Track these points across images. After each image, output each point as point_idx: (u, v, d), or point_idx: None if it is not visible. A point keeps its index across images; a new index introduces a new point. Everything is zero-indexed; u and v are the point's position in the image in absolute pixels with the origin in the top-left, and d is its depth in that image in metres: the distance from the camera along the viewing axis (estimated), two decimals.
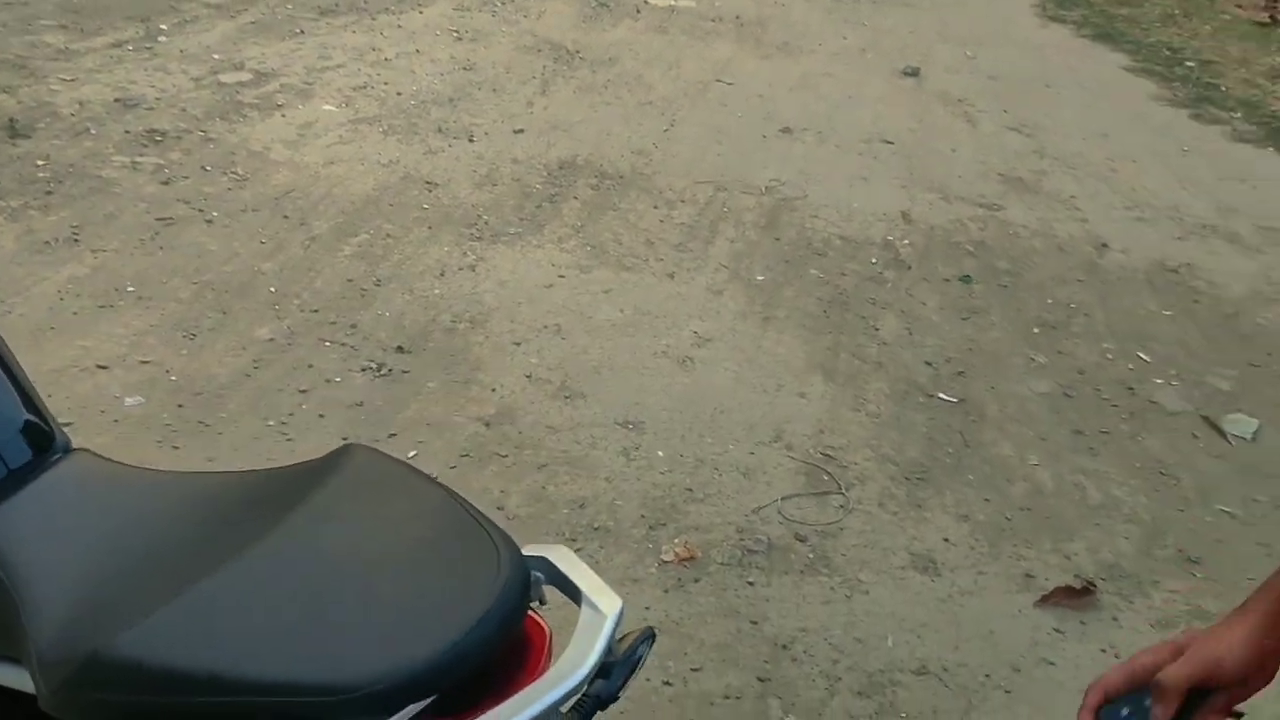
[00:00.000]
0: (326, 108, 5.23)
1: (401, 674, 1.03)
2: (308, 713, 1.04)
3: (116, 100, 5.04)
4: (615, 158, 5.01)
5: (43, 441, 1.46)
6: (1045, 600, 2.94)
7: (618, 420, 3.38)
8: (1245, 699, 1.20)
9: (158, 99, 5.11)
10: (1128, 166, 5.50)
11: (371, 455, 1.30)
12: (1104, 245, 4.76)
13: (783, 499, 3.17)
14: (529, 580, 1.12)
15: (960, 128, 5.74)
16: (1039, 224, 4.88)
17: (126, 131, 4.78)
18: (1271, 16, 7.76)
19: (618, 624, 1.12)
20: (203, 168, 4.57)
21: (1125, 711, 1.22)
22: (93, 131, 4.75)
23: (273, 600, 1.13)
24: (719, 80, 5.97)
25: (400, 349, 3.61)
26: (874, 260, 4.46)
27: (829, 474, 3.30)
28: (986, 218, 4.88)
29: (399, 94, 5.44)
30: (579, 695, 1.11)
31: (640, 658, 1.23)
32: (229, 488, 1.36)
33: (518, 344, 3.68)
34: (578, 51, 6.14)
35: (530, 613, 1.14)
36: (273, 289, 3.85)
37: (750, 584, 2.87)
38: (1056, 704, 2.64)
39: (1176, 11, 7.84)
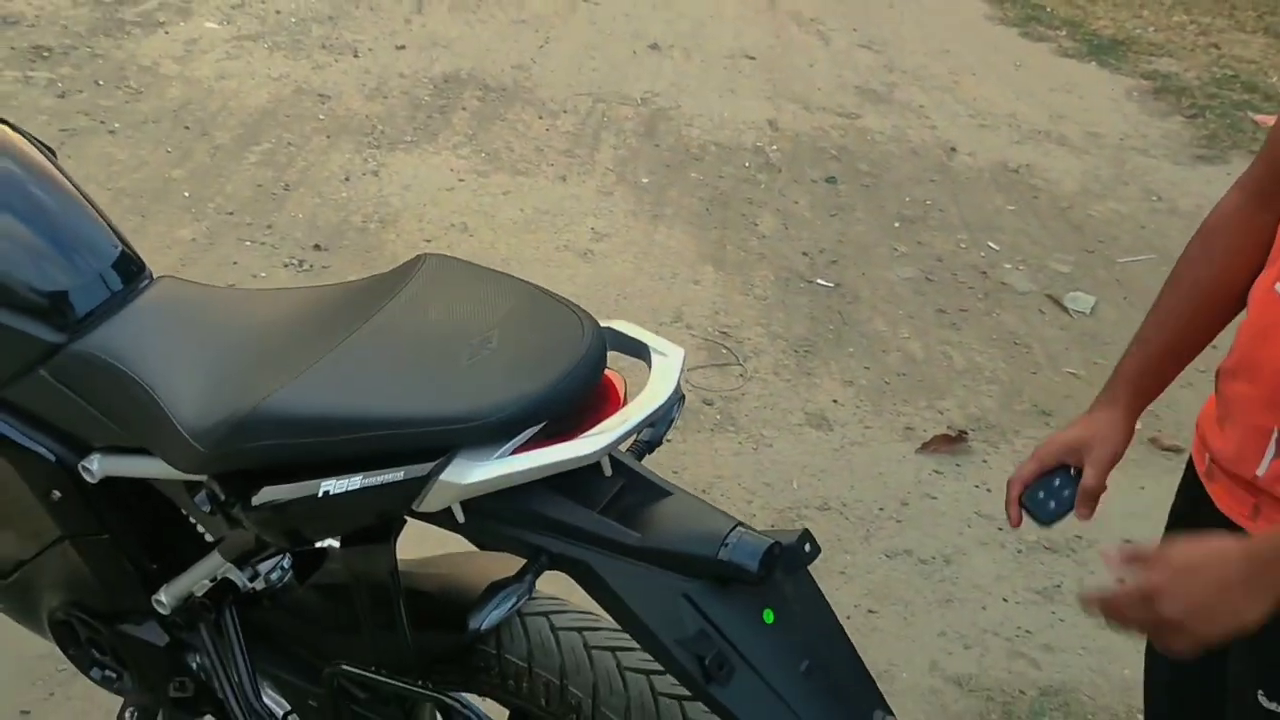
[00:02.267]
0: (209, 25, 5.33)
1: (518, 403, 1.30)
2: (441, 440, 1.30)
3: None
4: (496, 72, 5.24)
5: (134, 268, 1.69)
6: (925, 447, 3.34)
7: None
8: (1110, 468, 1.58)
9: (37, 16, 5.15)
10: (968, 79, 5.94)
11: (445, 257, 1.57)
12: (952, 149, 5.18)
13: (690, 369, 3.51)
14: (605, 337, 1.41)
15: (815, 44, 6.11)
16: (893, 131, 5.28)
17: (12, 48, 4.83)
18: None
19: (683, 364, 1.42)
20: (96, 82, 4.66)
21: (1042, 493, 1.61)
22: None
23: (397, 358, 1.39)
24: (585, 0, 6.22)
25: (317, 246, 3.82)
26: (747, 164, 4.80)
27: (727, 349, 3.64)
28: (846, 126, 5.26)
29: (278, 12, 5.57)
30: (667, 415, 1.41)
31: (676, 414, 1.54)
32: (317, 296, 1.61)
33: (428, 241, 3.92)
34: None
35: (611, 372, 1.43)
36: (186, 194, 4.01)
37: (668, 440, 3.19)
38: (940, 529, 3.04)
39: None
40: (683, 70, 5.57)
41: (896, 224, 4.54)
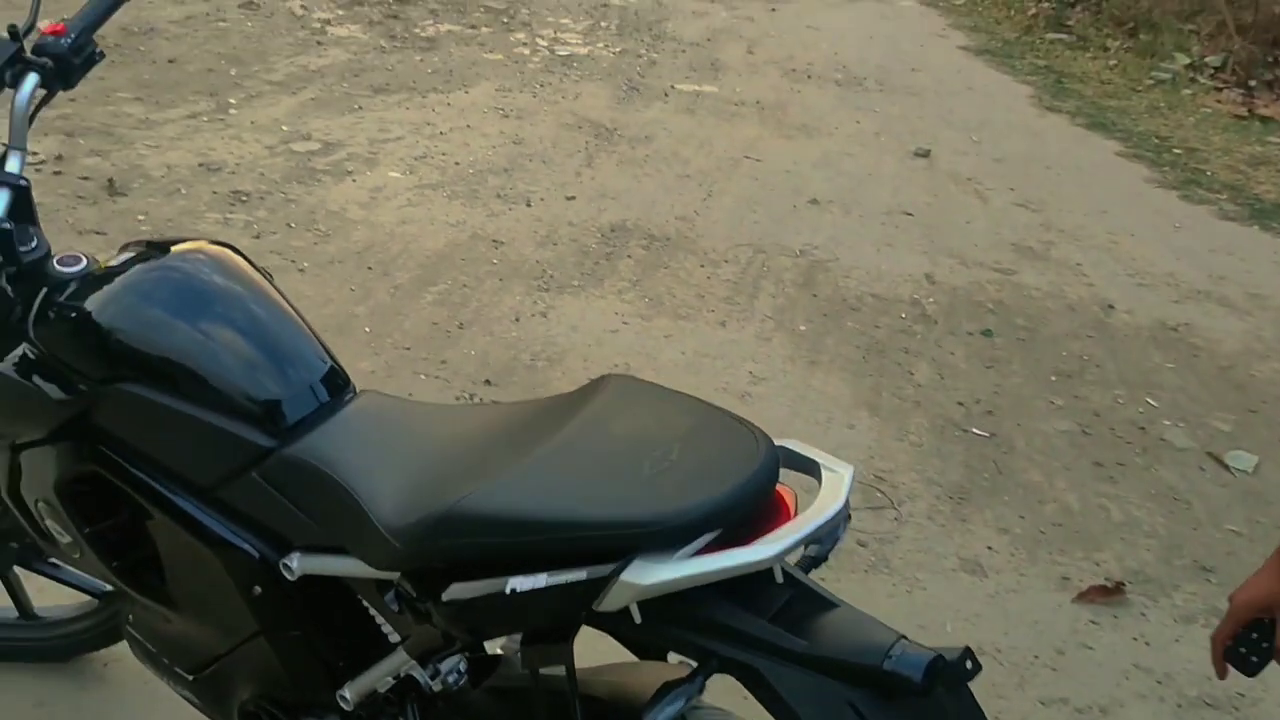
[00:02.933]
0: (392, 174, 5.67)
1: (697, 510, 1.40)
2: (623, 543, 1.41)
3: (200, 165, 5.47)
4: (661, 222, 5.45)
5: (340, 381, 1.85)
6: (1082, 597, 3.33)
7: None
8: None
9: (237, 164, 5.53)
10: (1126, 239, 5.97)
11: (629, 378, 1.70)
12: (1110, 306, 5.20)
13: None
14: (778, 452, 1.51)
15: (972, 203, 6.21)
16: (1050, 287, 5.33)
17: (214, 192, 5.20)
18: (1249, 110, 8.31)
19: (852, 481, 1.51)
20: (288, 225, 4.99)
21: (1243, 648, 1.69)
22: (183, 192, 5.17)
23: (584, 467, 1.51)
24: (748, 157, 6.44)
25: (488, 382, 4.01)
26: (903, 315, 4.89)
27: (881, 492, 3.69)
28: (1002, 281, 5.32)
29: (457, 164, 5.89)
30: (833, 533, 1.50)
31: (841, 534, 1.62)
32: (508, 411, 1.75)
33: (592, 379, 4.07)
34: (615, 129, 6.61)
35: (783, 486, 1.53)
36: (367, 329, 4.25)
37: (822, 580, 3.24)
38: (1097, 680, 3.02)
39: (1162, 104, 8.38)
40: (841, 225, 5.71)
41: (1053, 378, 4.57)
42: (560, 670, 1.57)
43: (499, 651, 1.87)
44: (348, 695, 1.80)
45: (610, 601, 1.41)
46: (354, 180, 5.54)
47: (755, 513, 1.45)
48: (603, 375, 1.71)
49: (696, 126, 6.81)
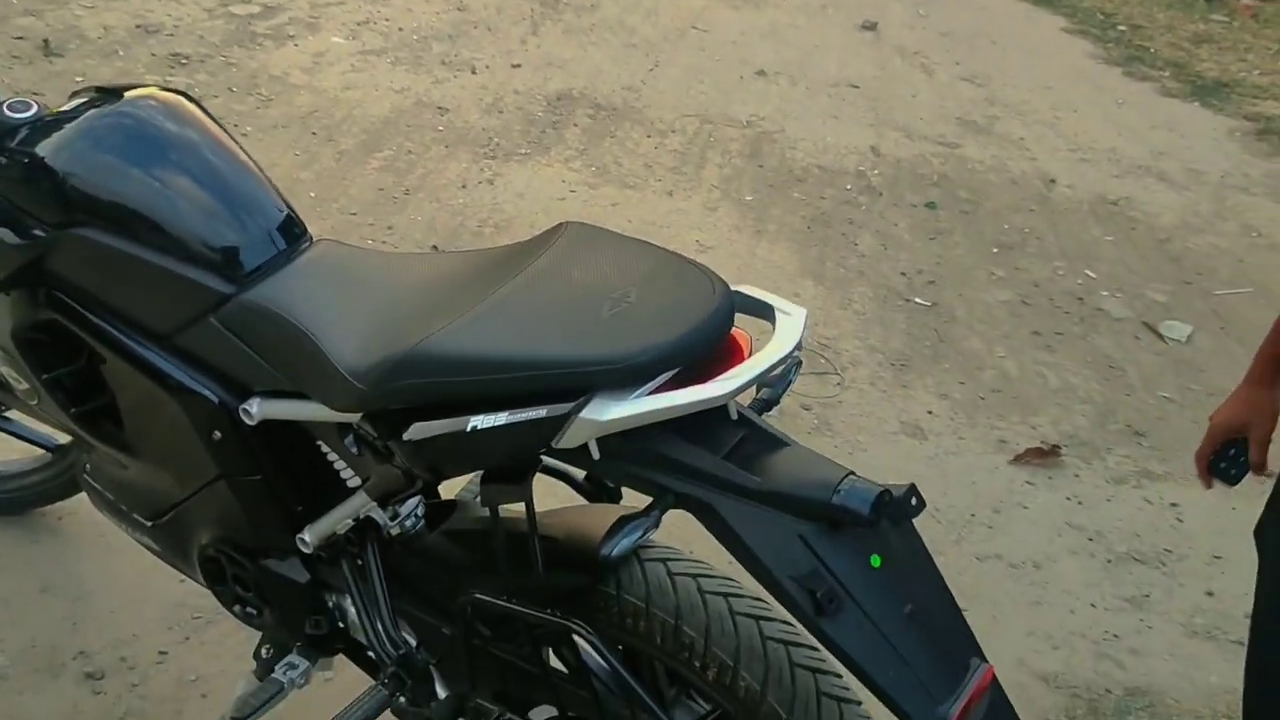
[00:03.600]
0: (335, 39, 5.57)
1: (653, 350, 1.43)
2: (581, 382, 1.43)
3: (138, 26, 5.34)
4: (608, 92, 5.41)
5: (297, 230, 1.85)
6: (1018, 459, 3.43)
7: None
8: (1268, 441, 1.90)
9: (176, 26, 5.41)
10: (1069, 115, 6.01)
11: (586, 225, 1.71)
12: (1052, 180, 5.26)
13: None
14: (734, 296, 1.54)
15: (918, 76, 6.21)
16: (993, 161, 5.37)
17: (153, 55, 5.09)
18: None
19: (806, 323, 1.55)
20: (229, 89, 4.90)
21: (1223, 463, 1.98)
22: (120, 53, 5.06)
23: (543, 309, 1.53)
24: (695, 27, 6.38)
25: (435, 248, 4.00)
26: (849, 187, 4.92)
27: (825, 359, 3.75)
28: (947, 154, 5.35)
29: (401, 30, 5.79)
30: (785, 377, 1.54)
31: (792, 378, 1.66)
32: (466, 258, 1.76)
33: None
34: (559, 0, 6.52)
35: (738, 330, 1.56)
36: (312, 194, 4.21)
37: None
38: (1031, 536, 3.12)
39: None
40: (788, 96, 5.70)
41: (994, 250, 4.63)
42: (517, 512, 1.61)
43: (454, 498, 1.91)
44: (307, 538, 1.83)
45: (570, 438, 1.43)
46: (296, 45, 5.44)
47: (711, 353, 1.48)
48: (560, 222, 1.72)
49: None
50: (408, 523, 1.86)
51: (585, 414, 1.41)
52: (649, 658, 1.71)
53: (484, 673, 1.79)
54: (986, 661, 1.53)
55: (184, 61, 5.07)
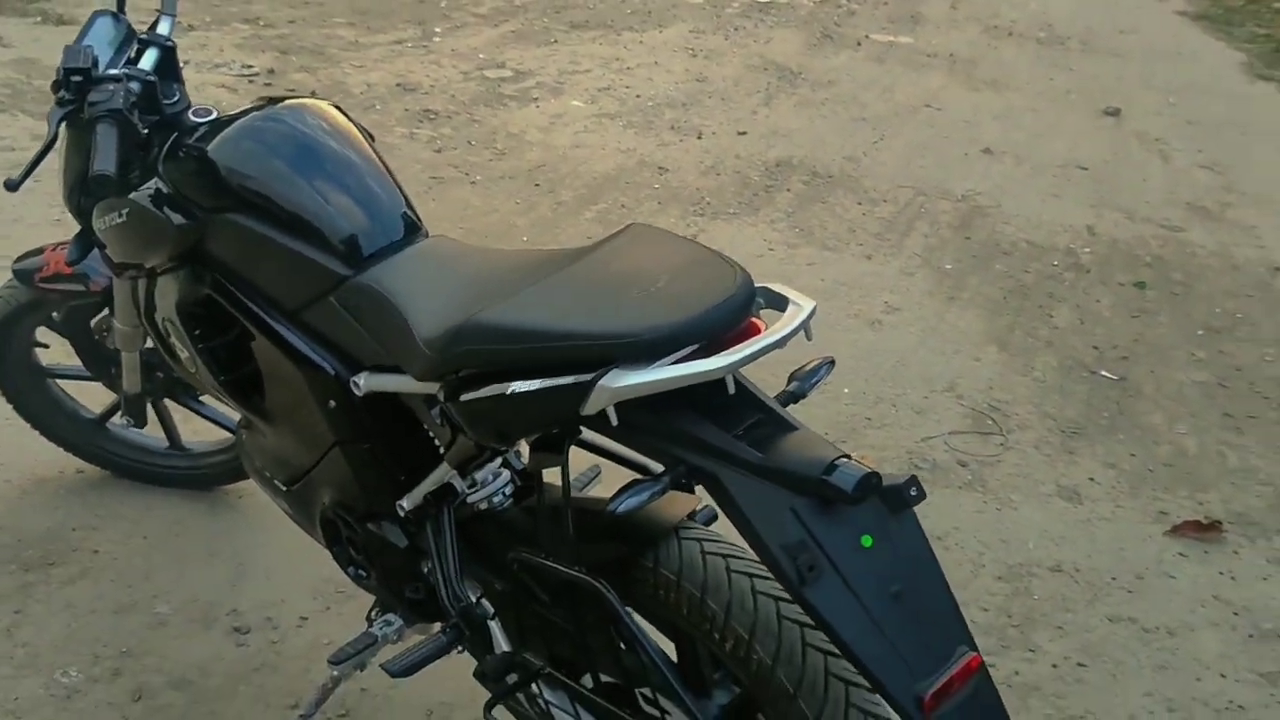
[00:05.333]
0: (574, 103, 5.93)
1: (668, 327, 1.59)
2: (604, 354, 1.60)
3: (397, 85, 5.84)
4: (827, 161, 5.57)
5: (413, 224, 2.09)
6: (1175, 530, 3.37)
7: (793, 359, 3.92)
8: None
9: (432, 86, 5.88)
10: None
11: (649, 226, 1.90)
12: (1277, 269, 5.11)
13: (950, 433, 3.68)
14: (755, 292, 1.69)
15: (1153, 162, 6.13)
16: (1217, 246, 5.25)
17: (406, 109, 5.55)
18: None
19: (813, 312, 1.68)
20: (469, 142, 5.30)
21: None
22: (378, 107, 5.54)
23: (583, 291, 1.71)
24: (928, 106, 6.48)
25: None
26: (1056, 263, 4.92)
27: (992, 420, 3.78)
28: (1167, 237, 5.27)
29: (638, 96, 6.11)
30: (815, 375, 1.70)
31: (821, 376, 1.79)
32: (548, 254, 1.96)
33: None
34: (800, 73, 6.73)
35: (757, 318, 1.70)
36: (525, 238, 4.52)
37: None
38: (1171, 605, 3.07)
39: None
40: (1010, 174, 5.73)
41: (1200, 332, 4.54)
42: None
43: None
44: (404, 504, 2.05)
45: (591, 404, 1.61)
46: (537, 106, 5.83)
47: (728, 335, 1.63)
48: (629, 224, 1.90)
49: (882, 74, 6.87)
50: (496, 499, 2.07)
51: (604, 381, 1.59)
52: (692, 640, 1.85)
53: (534, 632, 1.96)
54: (976, 650, 1.60)
55: (432, 117, 5.51)
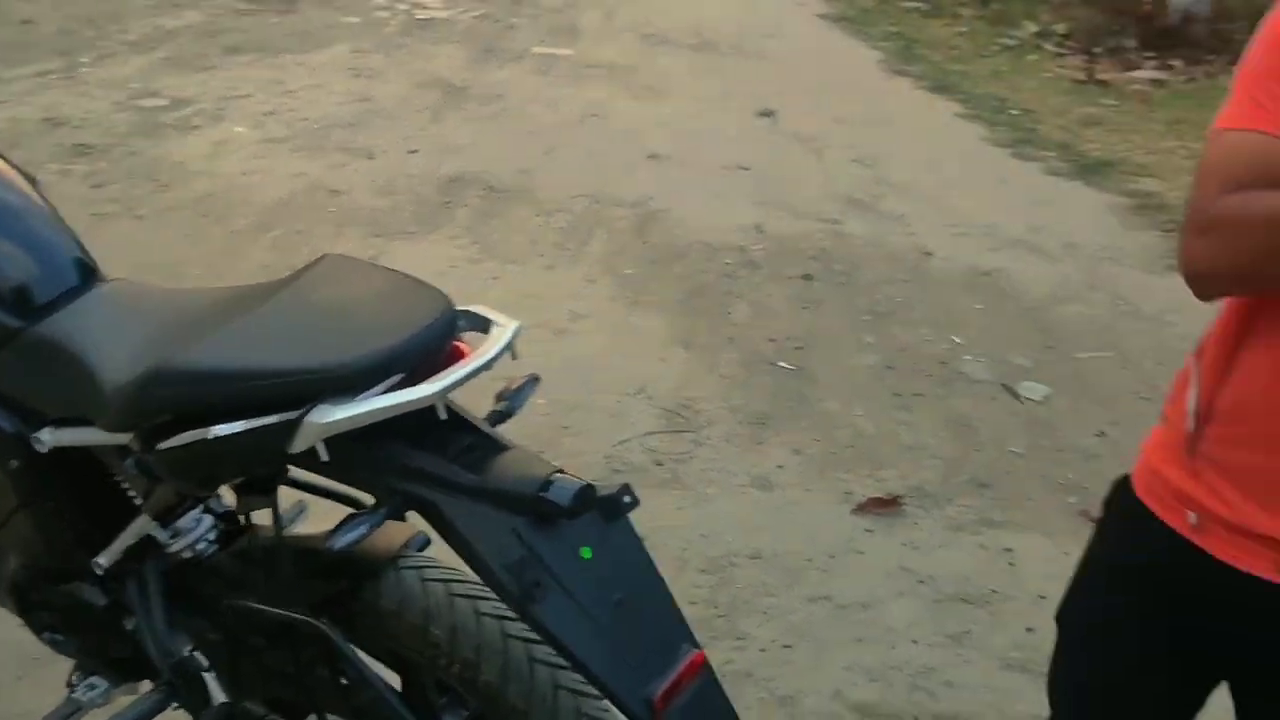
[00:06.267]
0: (238, 129, 5.77)
1: (371, 358, 1.58)
2: (309, 389, 1.56)
3: (45, 119, 5.53)
4: (501, 174, 5.61)
5: (88, 269, 1.99)
6: (860, 508, 3.57)
7: (499, 376, 3.95)
8: None
9: (83, 119, 5.60)
10: (953, 192, 6.24)
11: (343, 256, 1.87)
12: (928, 253, 5.47)
13: (645, 434, 3.77)
14: (456, 316, 1.70)
15: (809, 159, 6.45)
16: (873, 236, 5.58)
17: (57, 145, 5.27)
18: (1089, 75, 8.66)
19: (517, 332, 1.70)
20: (129, 175, 5.08)
21: None
22: (24, 145, 5.23)
23: (281, 327, 1.68)
24: (594, 115, 6.62)
25: None
26: (729, 261, 5.11)
27: (684, 417, 3.90)
28: (828, 230, 5.56)
29: (304, 119, 6.00)
30: (522, 392, 1.71)
31: (528, 393, 1.81)
32: (237, 291, 1.91)
33: None
34: (466, 88, 6.75)
35: (461, 341, 1.71)
36: (197, 272, 4.36)
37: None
38: (863, 579, 3.25)
39: (1005, 70, 8.71)
40: (678, 178, 5.92)
41: (865, 318, 4.81)
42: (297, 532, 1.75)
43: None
44: (102, 561, 1.95)
45: (299, 442, 1.57)
46: (199, 134, 5.64)
47: (433, 361, 1.63)
48: (322, 255, 1.87)
49: (547, 87, 6.97)
50: (200, 546, 1.99)
51: (311, 418, 1.55)
52: (418, 668, 1.84)
53: (253, 680, 1.90)
54: (698, 647, 1.65)
55: (86, 151, 5.25)
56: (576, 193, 5.54)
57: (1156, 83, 8.55)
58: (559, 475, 1.58)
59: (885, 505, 3.59)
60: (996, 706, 2.86)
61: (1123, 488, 1.72)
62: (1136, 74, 8.76)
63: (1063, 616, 1.84)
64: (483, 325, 1.75)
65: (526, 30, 8.07)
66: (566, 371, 4.00)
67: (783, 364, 4.35)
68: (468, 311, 1.76)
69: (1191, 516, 1.58)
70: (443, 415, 1.61)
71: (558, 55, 7.68)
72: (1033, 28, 9.59)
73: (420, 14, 8.15)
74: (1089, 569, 1.80)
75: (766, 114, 6.99)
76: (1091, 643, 1.80)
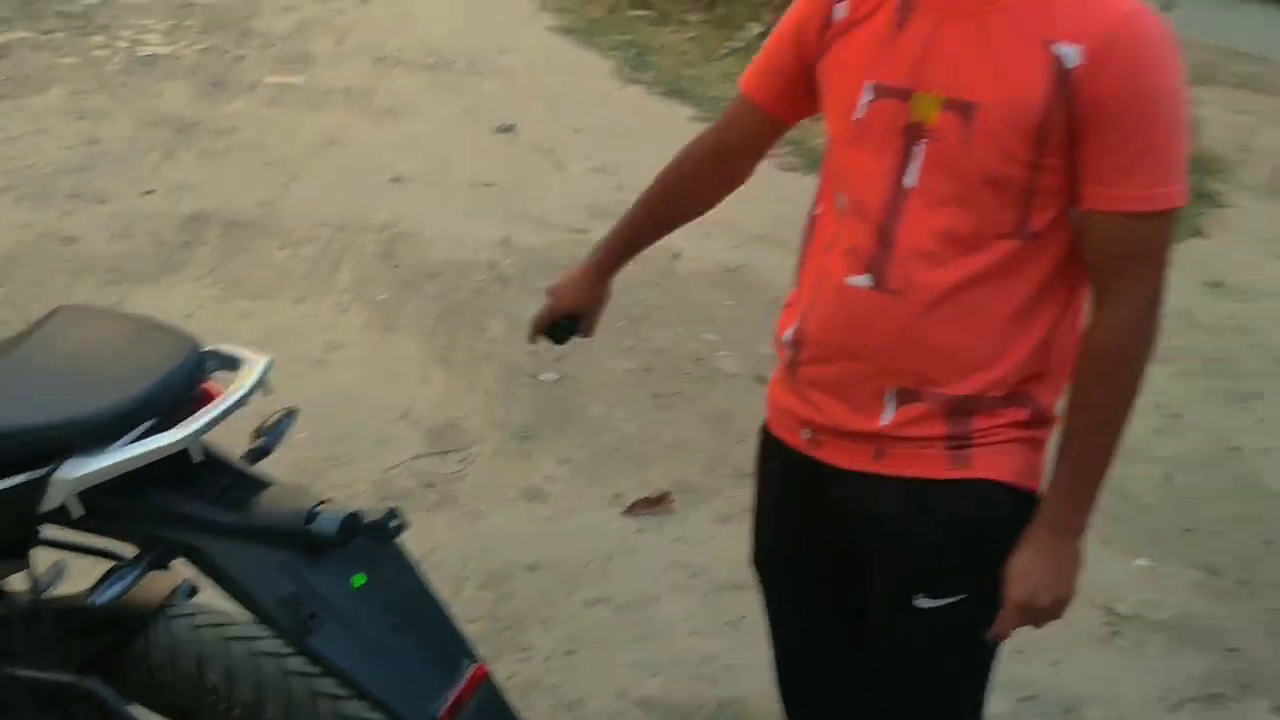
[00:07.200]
0: None
1: (117, 407, 1.56)
2: (57, 444, 1.54)
3: None
4: (242, 209, 5.50)
5: None
6: (630, 510, 3.66)
7: (257, 413, 3.88)
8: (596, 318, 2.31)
9: None
10: None
11: (79, 306, 1.84)
12: (676, 255, 5.60)
13: (413, 458, 3.78)
14: (204, 357, 1.69)
15: (551, 171, 6.53)
16: None
17: None
18: None
19: (269, 367, 1.70)
20: None
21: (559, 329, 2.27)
22: None
23: (20, 383, 1.64)
24: (333, 142, 6.54)
25: None
26: (481, 278, 5.14)
27: (450, 438, 3.92)
28: (576, 239, 5.64)
29: (29, 166, 5.75)
30: (278, 428, 1.70)
31: (286, 428, 1.82)
32: None
33: None
34: (197, 124, 6.57)
35: (211, 381, 1.70)
36: None
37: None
38: (639, 579, 3.34)
39: (734, 71, 8.94)
40: (424, 198, 5.91)
41: (621, 322, 4.90)
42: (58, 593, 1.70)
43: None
44: None
45: (50, 499, 1.55)
46: None
47: (184, 405, 1.62)
48: (56, 307, 1.83)
49: (282, 116, 6.86)
50: None
51: (60, 473, 1.53)
52: (199, 716, 1.81)
53: None
54: (477, 661, 1.69)
55: None
56: (321, 221, 5.48)
57: None
58: (323, 506, 1.60)
59: (654, 504, 3.69)
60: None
61: (763, 430, 1.99)
62: None
63: (754, 561, 2.08)
64: (233, 364, 1.75)
65: (256, 60, 7.91)
66: (327, 402, 3.96)
67: (543, 375, 4.40)
68: (216, 351, 1.76)
69: (805, 432, 1.82)
70: (198, 458, 1.61)
71: (291, 83, 7.55)
72: (758, 29, 9.88)
73: (142, 50, 7.89)
74: (757, 511, 2.06)
75: (506, 129, 7.04)
76: (771, 574, 2.06)
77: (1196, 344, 5.36)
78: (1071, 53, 1.54)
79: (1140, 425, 4.37)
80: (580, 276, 2.27)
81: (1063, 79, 1.55)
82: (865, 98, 1.70)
